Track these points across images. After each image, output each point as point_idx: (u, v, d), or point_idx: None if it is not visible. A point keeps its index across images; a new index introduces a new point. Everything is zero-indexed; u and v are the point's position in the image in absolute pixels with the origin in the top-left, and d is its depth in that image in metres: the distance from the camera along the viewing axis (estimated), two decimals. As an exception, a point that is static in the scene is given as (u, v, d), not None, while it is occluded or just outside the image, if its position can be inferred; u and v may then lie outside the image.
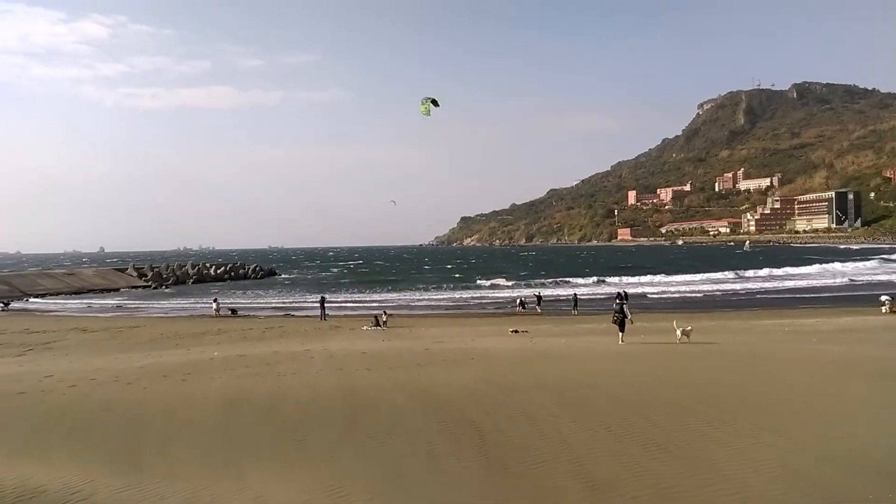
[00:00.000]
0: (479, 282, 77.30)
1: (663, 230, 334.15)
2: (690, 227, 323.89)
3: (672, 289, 60.84)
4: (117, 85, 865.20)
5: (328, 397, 12.70)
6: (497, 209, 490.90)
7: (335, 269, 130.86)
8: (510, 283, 72.55)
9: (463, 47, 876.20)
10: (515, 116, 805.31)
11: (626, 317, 21.24)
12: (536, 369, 15.56)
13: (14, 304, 59.45)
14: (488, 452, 8.87)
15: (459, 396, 12.33)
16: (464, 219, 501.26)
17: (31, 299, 66.11)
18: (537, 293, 46.91)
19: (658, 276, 73.09)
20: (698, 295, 55.04)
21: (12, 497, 7.65)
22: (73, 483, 8.07)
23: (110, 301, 64.71)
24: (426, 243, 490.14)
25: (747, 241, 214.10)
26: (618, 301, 21.87)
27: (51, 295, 70.01)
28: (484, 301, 55.92)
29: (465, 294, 62.75)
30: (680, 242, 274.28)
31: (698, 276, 72.21)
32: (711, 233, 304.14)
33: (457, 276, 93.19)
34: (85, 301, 64.71)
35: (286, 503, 7.37)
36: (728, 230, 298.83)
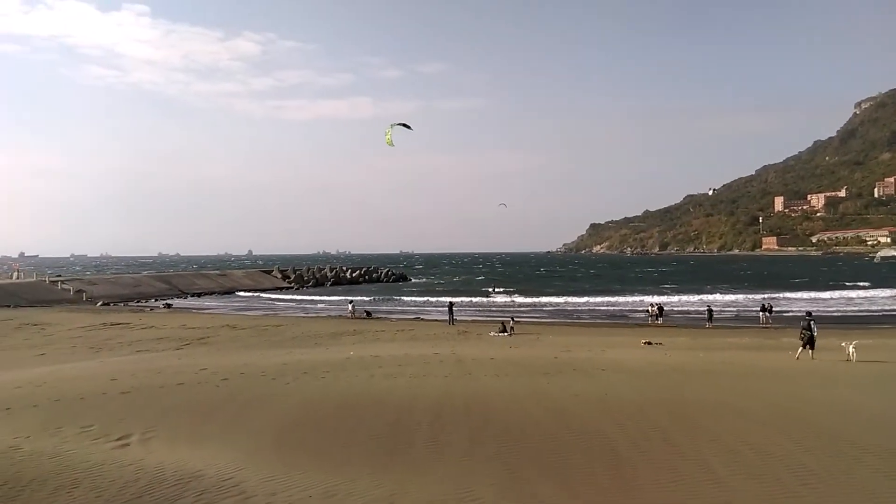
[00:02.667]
0: (606, 291, 75.31)
1: (814, 239, 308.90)
2: (846, 236, 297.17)
3: (828, 307, 55.74)
4: (266, 98, 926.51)
5: (458, 401, 12.87)
6: (629, 216, 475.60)
7: (464, 275, 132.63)
8: (639, 293, 69.99)
9: (597, 51, 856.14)
10: (651, 119, 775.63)
11: (813, 333, 20.25)
12: (672, 384, 14.95)
13: (175, 302, 65.26)
14: (621, 467, 8.63)
15: (590, 408, 12.08)
16: (593, 225, 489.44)
17: (189, 297, 72.32)
18: (659, 303, 45.01)
19: (813, 292, 67.29)
20: (852, 311, 50.43)
21: (173, 479, 8.39)
22: (225, 470, 8.74)
23: (256, 301, 69.45)
24: (554, 250, 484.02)
25: (878, 253, 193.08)
26: (806, 317, 21.35)
27: (205, 294, 76.33)
28: (613, 310, 54.50)
29: (593, 305, 61.31)
30: (842, 252, 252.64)
31: (851, 294, 65.79)
32: (870, 242, 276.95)
33: (586, 284, 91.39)
34: (234, 300, 69.92)
35: (418, 501, 7.55)
36: (889, 240, 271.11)
